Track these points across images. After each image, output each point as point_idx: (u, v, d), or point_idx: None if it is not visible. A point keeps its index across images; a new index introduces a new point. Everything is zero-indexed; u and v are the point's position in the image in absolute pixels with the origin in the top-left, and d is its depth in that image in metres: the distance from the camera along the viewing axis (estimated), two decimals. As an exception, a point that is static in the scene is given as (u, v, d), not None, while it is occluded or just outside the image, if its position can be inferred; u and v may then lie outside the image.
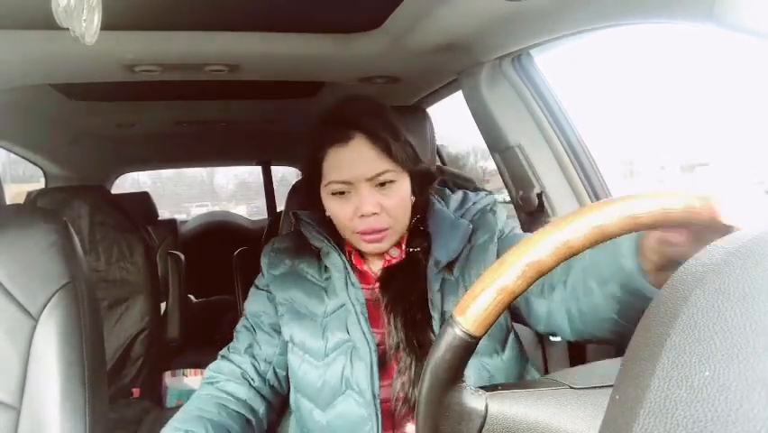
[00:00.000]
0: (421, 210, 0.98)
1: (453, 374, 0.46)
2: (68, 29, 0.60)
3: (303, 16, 1.19)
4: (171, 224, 3.08)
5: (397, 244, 0.96)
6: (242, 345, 0.99)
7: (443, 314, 0.89)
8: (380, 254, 0.96)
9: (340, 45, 1.30)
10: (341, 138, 0.87)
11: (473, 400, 0.48)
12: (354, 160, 0.87)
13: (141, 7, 1.03)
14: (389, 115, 0.91)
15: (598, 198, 1.37)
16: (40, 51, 1.19)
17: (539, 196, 1.37)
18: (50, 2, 0.57)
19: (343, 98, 0.93)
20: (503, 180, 1.50)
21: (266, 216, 3.37)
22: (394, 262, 0.96)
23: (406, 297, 0.90)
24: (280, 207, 2.50)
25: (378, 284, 0.93)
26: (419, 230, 0.97)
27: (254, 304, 1.02)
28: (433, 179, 0.98)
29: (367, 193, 0.87)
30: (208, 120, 2.33)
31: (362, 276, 0.96)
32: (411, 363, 0.86)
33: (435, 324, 0.88)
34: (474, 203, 0.99)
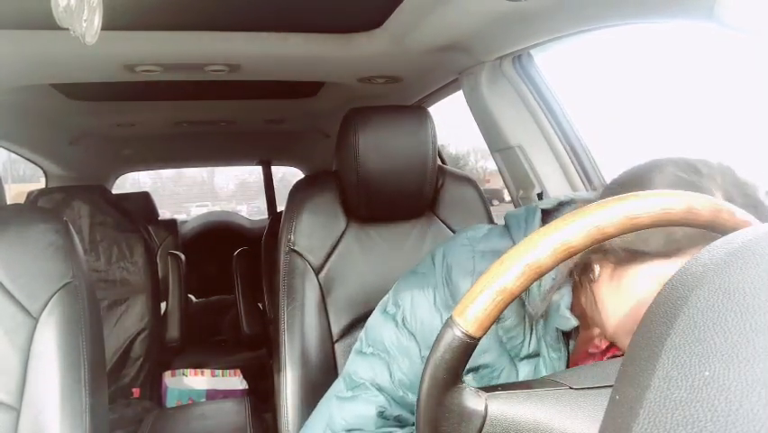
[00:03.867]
0: None
1: (453, 375, 0.46)
2: (68, 29, 0.60)
3: (303, 16, 1.19)
4: (171, 224, 3.08)
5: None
6: (414, 384, 0.76)
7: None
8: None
9: (340, 45, 1.30)
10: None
11: (473, 400, 0.48)
12: None
13: (141, 7, 1.03)
14: None
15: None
16: (40, 51, 1.19)
17: (539, 196, 1.37)
18: (50, 2, 0.57)
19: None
20: (503, 180, 1.50)
21: (266, 216, 3.38)
22: (592, 356, 0.78)
23: None
24: (280, 207, 2.50)
25: None
26: None
27: (433, 328, 0.75)
28: None
29: None
30: (208, 120, 2.33)
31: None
32: None
33: None
34: None
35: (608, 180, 0.73)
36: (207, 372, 2.27)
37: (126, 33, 1.15)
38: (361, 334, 0.84)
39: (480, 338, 0.45)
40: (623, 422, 0.30)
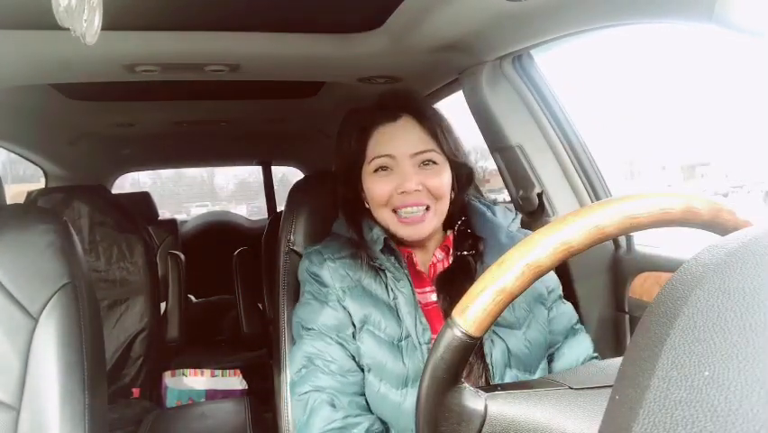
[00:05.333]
0: (465, 212, 0.98)
1: (453, 375, 0.46)
2: (68, 29, 0.60)
3: (303, 16, 1.19)
4: (171, 224, 3.08)
5: (443, 247, 0.97)
6: (344, 366, 0.90)
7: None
8: (427, 257, 0.97)
9: (340, 45, 1.30)
10: (389, 117, 0.91)
11: (473, 400, 0.48)
12: (400, 135, 0.90)
13: (141, 7, 1.03)
14: (436, 108, 0.96)
15: (598, 198, 1.36)
16: (40, 51, 1.19)
17: (539, 196, 1.37)
18: (50, 2, 0.57)
19: (392, 88, 0.95)
20: (503, 180, 1.50)
21: (266, 216, 3.38)
22: (439, 266, 0.96)
23: None
24: (280, 207, 2.50)
25: (434, 289, 0.94)
26: (466, 233, 0.97)
27: (329, 318, 0.92)
28: (471, 180, 0.99)
29: (410, 169, 0.89)
30: (208, 120, 2.33)
31: (418, 277, 0.95)
32: (482, 370, 0.87)
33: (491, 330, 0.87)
34: (513, 220, 0.99)
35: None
36: (207, 372, 2.27)
37: (126, 33, 1.15)
38: (291, 377, 0.95)
39: (479, 338, 0.45)
40: (623, 422, 0.30)
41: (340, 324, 0.92)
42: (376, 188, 0.92)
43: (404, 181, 0.89)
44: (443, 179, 0.91)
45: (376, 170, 0.92)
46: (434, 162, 0.91)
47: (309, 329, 0.93)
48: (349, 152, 0.96)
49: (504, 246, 0.91)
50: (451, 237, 0.98)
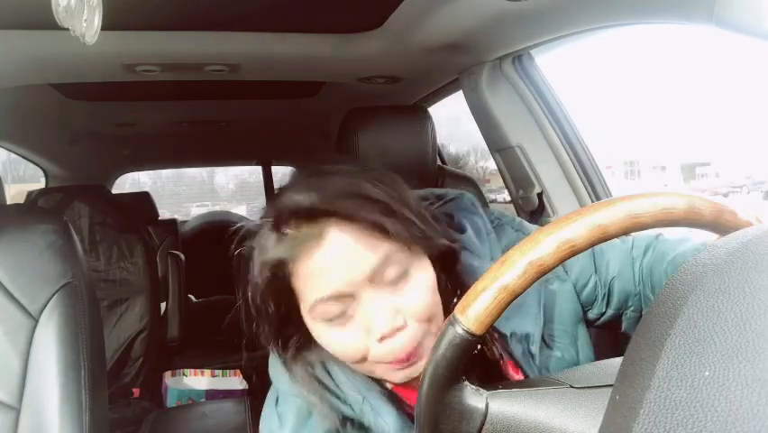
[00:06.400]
0: (459, 284, 0.69)
1: (454, 373, 0.46)
2: (68, 29, 0.60)
3: (303, 16, 1.19)
4: (171, 224, 3.08)
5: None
6: None
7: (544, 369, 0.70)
8: None
9: (340, 45, 1.30)
10: (309, 236, 0.57)
11: (474, 399, 0.48)
12: (339, 258, 0.57)
13: (141, 7, 1.03)
14: (378, 181, 0.62)
15: (598, 198, 1.37)
16: (40, 51, 1.19)
17: (539, 196, 1.37)
18: (50, 2, 0.57)
19: (303, 174, 0.66)
20: (503, 180, 1.50)
21: (266, 216, 3.37)
22: None
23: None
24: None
25: None
26: None
27: None
28: (456, 258, 0.67)
29: (377, 301, 0.58)
30: (208, 120, 2.33)
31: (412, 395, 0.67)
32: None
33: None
34: (487, 229, 0.75)
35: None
36: (207, 372, 2.27)
37: (126, 33, 1.15)
38: None
39: (481, 336, 0.45)
40: (623, 422, 0.30)
41: None
42: (335, 343, 0.61)
43: (374, 322, 0.58)
44: (425, 287, 0.60)
45: (325, 320, 0.60)
46: (404, 271, 0.59)
47: None
48: (268, 296, 0.64)
49: (518, 309, 0.67)
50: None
